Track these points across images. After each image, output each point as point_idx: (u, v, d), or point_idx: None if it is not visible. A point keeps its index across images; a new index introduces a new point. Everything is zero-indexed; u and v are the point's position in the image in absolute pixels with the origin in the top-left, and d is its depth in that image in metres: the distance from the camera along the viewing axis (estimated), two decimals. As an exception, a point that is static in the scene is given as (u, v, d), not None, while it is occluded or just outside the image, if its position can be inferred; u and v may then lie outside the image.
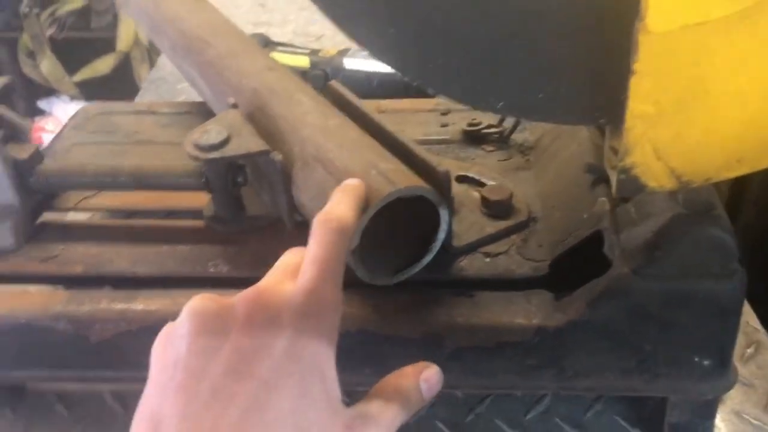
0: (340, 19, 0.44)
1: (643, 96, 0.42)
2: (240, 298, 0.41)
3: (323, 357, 0.39)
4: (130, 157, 0.71)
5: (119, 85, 2.34)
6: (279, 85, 0.63)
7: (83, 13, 2.37)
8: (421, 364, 0.44)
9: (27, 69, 2.44)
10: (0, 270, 0.59)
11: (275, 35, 1.13)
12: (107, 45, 2.38)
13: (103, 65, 2.42)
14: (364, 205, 0.48)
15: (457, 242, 0.57)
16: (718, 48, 0.40)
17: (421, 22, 0.43)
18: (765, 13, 0.38)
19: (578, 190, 0.57)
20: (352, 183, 0.49)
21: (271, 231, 0.61)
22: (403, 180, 0.51)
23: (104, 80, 2.40)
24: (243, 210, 0.62)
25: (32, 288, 0.58)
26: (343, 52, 1.02)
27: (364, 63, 1.00)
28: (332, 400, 0.39)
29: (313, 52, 1.03)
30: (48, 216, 0.65)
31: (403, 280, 0.53)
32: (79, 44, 2.40)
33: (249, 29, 1.12)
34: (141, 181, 0.60)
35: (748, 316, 0.69)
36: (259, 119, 0.60)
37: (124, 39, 2.34)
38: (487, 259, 0.56)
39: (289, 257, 0.46)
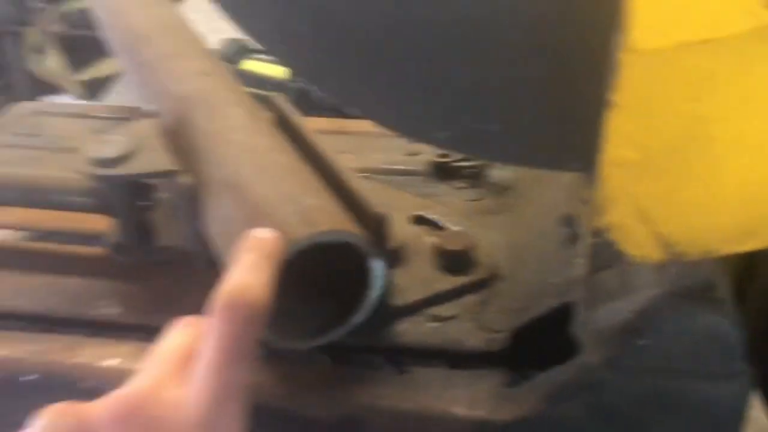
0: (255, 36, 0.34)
1: (624, 137, 0.31)
2: (108, 410, 0.31)
3: None
4: (45, 164, 0.62)
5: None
6: (211, 93, 0.53)
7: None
8: None
9: (33, 65, 2.39)
10: None
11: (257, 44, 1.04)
12: (115, 45, 2.32)
13: (108, 66, 2.35)
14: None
15: (398, 300, 0.46)
16: (728, 78, 0.29)
17: (336, 23, 0.32)
18: (795, 33, 0.27)
19: (552, 245, 0.47)
20: (262, 237, 0.38)
21: (183, 267, 0.51)
22: (326, 221, 0.41)
23: (110, 81, 2.34)
24: (152, 238, 0.52)
25: None
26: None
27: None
28: None
29: (292, 63, 0.93)
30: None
31: (321, 345, 0.43)
32: (86, 43, 2.34)
33: (230, 35, 1.03)
34: (30, 197, 0.51)
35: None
36: (178, 132, 0.50)
37: (131, 40, 2.27)
38: (435, 324, 0.46)
39: (177, 339, 0.35)
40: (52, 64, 2.35)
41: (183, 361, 0.33)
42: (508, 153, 0.35)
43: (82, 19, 2.34)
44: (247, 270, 0.35)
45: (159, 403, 0.31)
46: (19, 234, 0.59)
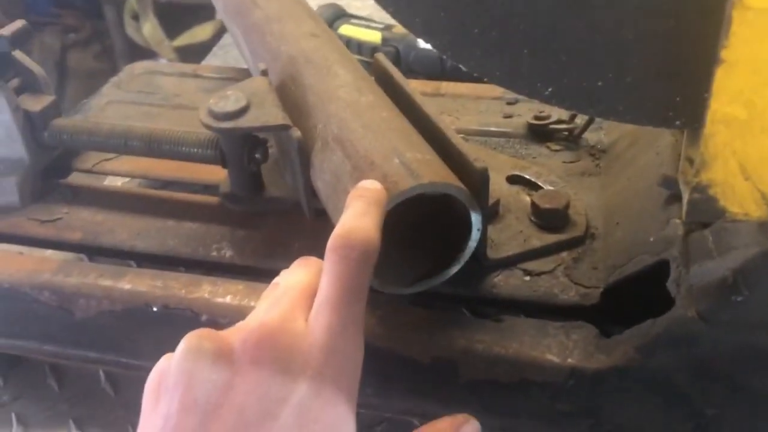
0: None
1: (731, 94, 0.32)
2: (244, 337, 0.34)
3: (340, 424, 0.33)
4: (161, 119, 0.66)
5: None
6: (318, 53, 0.56)
7: (188, -20, 2.39)
8: (460, 417, 0.37)
9: (130, 30, 2.48)
10: (0, 228, 0.55)
11: (354, 8, 1.06)
12: (208, 13, 2.39)
13: (202, 32, 2.42)
14: None
15: (492, 254, 0.48)
16: (843, 35, 0.29)
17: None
18: None
19: (649, 206, 0.47)
20: (370, 186, 0.40)
21: (289, 217, 0.54)
22: (429, 174, 0.43)
23: (203, 47, 2.42)
24: (262, 189, 0.55)
25: (25, 251, 0.53)
26: (419, 30, 0.94)
27: (439, 43, 0.91)
28: None
29: (387, 28, 0.95)
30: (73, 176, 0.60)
31: (419, 292, 0.45)
32: (181, 10, 2.42)
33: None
34: (152, 147, 0.55)
35: None
36: (289, 89, 0.53)
37: (224, 8, 2.33)
38: (527, 278, 0.47)
39: (298, 275, 0.38)
40: (148, 30, 2.45)
41: (305, 296, 0.36)
42: (614, 109, 0.36)
43: (178, -13, 2.43)
44: (358, 215, 0.38)
45: (287, 332, 0.34)
46: (137, 181, 0.64)
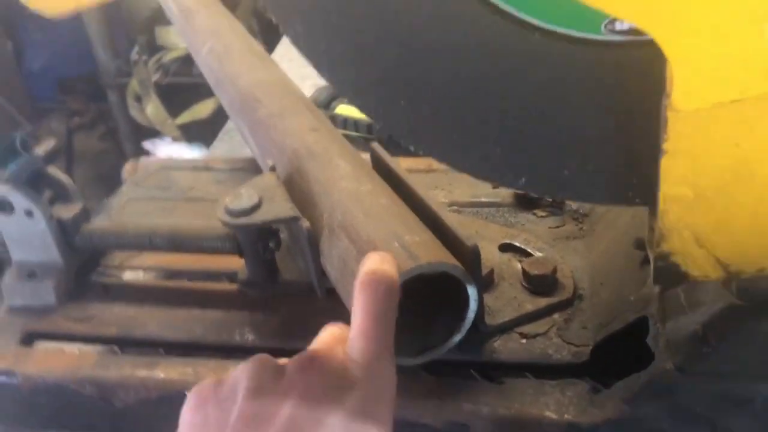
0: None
1: (677, 178, 0.37)
2: (293, 362, 0.38)
3: None
4: (179, 213, 0.72)
5: (218, 128, 2.43)
6: (319, 146, 0.62)
7: (186, 60, 2.49)
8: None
9: (134, 112, 2.57)
10: (41, 328, 0.60)
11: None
12: (207, 90, 2.47)
13: (203, 109, 2.51)
14: None
15: (491, 320, 0.53)
16: (760, 126, 0.35)
17: (426, 84, 0.40)
18: (813, 89, 0.33)
19: (629, 267, 0.52)
20: (381, 253, 0.45)
21: (303, 298, 0.59)
22: (427, 255, 0.48)
23: (204, 123, 2.50)
24: (277, 274, 0.61)
25: (66, 348, 0.58)
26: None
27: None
28: None
29: (380, 105, 1.01)
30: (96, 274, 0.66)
31: (426, 362, 0.50)
32: (181, 89, 2.51)
33: (322, 82, 1.12)
34: (175, 244, 0.60)
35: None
36: (295, 181, 0.59)
37: (222, 84, 2.42)
38: (524, 341, 0.52)
39: (331, 329, 0.42)
40: (151, 110, 2.54)
41: (339, 340, 0.40)
42: (580, 193, 0.42)
43: (177, 68, 2.53)
44: (379, 261, 0.42)
45: (332, 356, 0.38)
46: (153, 275, 0.69)
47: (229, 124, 1.19)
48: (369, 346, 0.37)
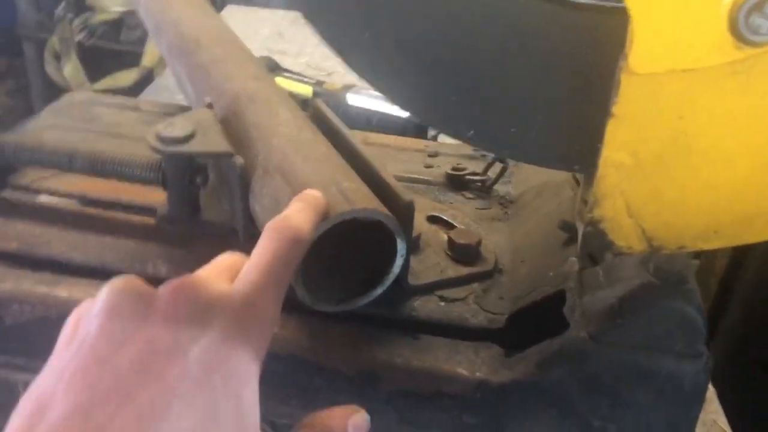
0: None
1: (620, 143, 0.39)
2: (166, 285, 0.36)
3: (244, 374, 0.34)
4: (103, 146, 0.68)
5: (137, 99, 2.36)
6: (260, 94, 0.61)
7: (115, 25, 2.40)
8: (351, 407, 0.39)
9: (50, 69, 2.46)
10: (-66, 235, 0.56)
11: (288, 65, 1.12)
12: (133, 59, 2.40)
13: (125, 78, 2.43)
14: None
15: (413, 280, 0.53)
16: (705, 101, 0.37)
17: (397, 39, 0.40)
18: (756, 69, 0.35)
19: (550, 246, 0.54)
20: (312, 194, 0.45)
21: (223, 241, 0.57)
22: (363, 201, 0.48)
23: (123, 93, 2.42)
24: (198, 213, 0.59)
25: (-41, 258, 0.54)
26: (348, 88, 1.00)
27: (366, 101, 0.98)
28: (246, 428, 0.33)
29: (318, 83, 1.01)
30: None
31: (346, 311, 0.49)
32: (106, 54, 2.42)
33: (260, 53, 1.11)
34: (96, 167, 0.57)
35: (718, 415, 0.64)
36: (232, 124, 0.58)
37: (149, 55, 2.35)
38: (442, 303, 0.53)
39: (229, 258, 0.41)
40: (70, 70, 2.43)
41: (231, 271, 0.38)
42: (523, 153, 0.43)
43: (104, 32, 2.44)
44: (298, 210, 0.42)
45: (209, 286, 0.35)
46: (71, 202, 0.65)
47: (159, 81, 1.16)
48: (257, 279, 0.36)
